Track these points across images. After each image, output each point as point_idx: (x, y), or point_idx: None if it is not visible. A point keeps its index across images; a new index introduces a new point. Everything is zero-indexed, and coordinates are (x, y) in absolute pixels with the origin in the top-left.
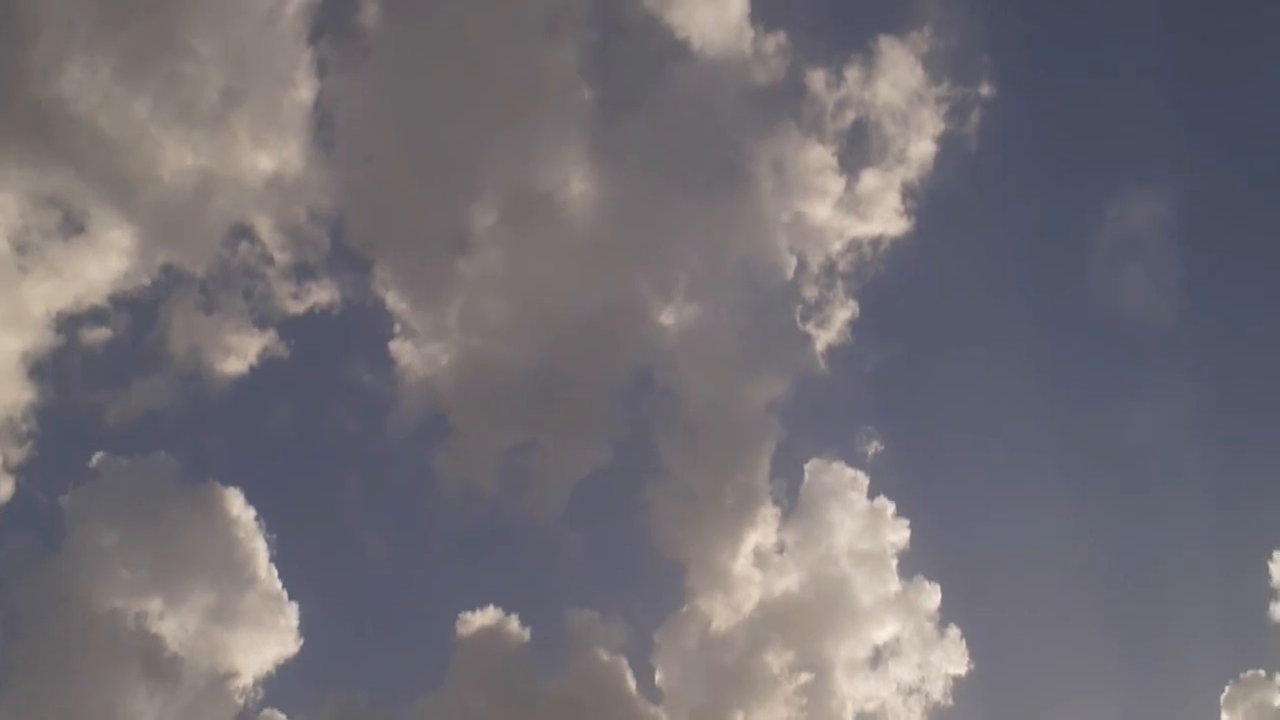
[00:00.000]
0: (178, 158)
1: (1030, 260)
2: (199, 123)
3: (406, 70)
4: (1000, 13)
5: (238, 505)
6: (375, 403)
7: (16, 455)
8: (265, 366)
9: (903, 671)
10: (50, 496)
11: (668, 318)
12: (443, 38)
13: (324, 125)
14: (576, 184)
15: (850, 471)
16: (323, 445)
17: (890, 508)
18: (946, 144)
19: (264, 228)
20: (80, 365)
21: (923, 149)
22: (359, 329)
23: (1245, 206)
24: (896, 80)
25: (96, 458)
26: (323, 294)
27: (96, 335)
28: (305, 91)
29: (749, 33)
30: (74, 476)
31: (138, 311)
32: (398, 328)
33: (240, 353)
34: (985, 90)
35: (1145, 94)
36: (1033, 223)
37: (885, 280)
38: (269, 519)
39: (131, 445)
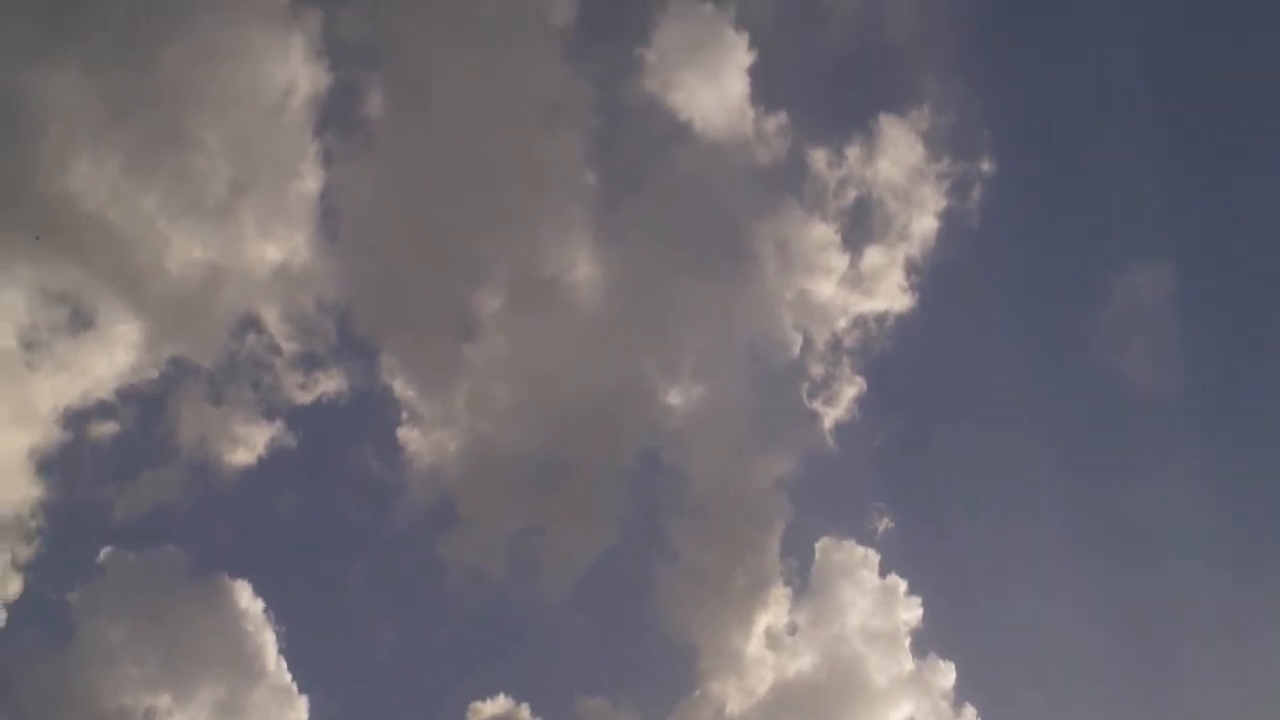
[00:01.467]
0: (185, 250)
1: (1035, 335)
2: (206, 215)
3: (411, 159)
4: (998, 89)
5: (246, 597)
6: (382, 491)
7: (25, 552)
8: (273, 457)
9: None
10: (59, 593)
11: (675, 398)
12: (447, 126)
13: (330, 215)
14: (581, 267)
15: (861, 549)
16: (331, 535)
17: (902, 586)
18: (948, 220)
19: (271, 318)
20: (88, 460)
21: (925, 225)
22: (366, 417)
23: (1248, 280)
24: (897, 158)
25: (104, 553)
26: (330, 383)
27: (104, 430)
28: (311, 182)
29: (750, 113)
30: (82, 573)
31: (145, 405)
32: (405, 415)
33: (248, 444)
34: (985, 166)
35: (1146, 168)
36: (1036, 297)
37: (891, 356)
38: (278, 611)
39: (139, 539)
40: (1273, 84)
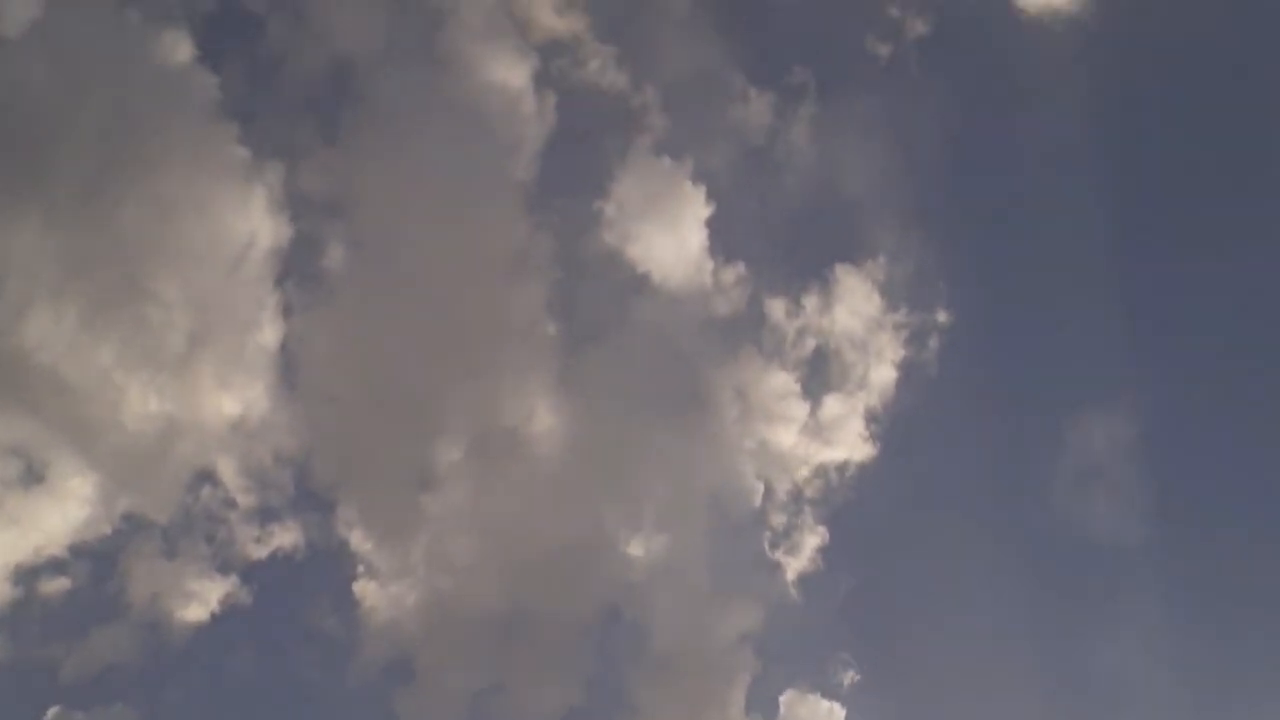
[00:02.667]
0: (141, 404)
1: (995, 484)
2: (163, 368)
3: (371, 311)
4: (954, 241)
5: None
6: (338, 646)
7: None
8: (227, 613)
9: None
10: None
11: (636, 549)
12: (407, 277)
13: (289, 367)
14: (541, 418)
15: (826, 703)
16: (285, 692)
17: None
18: (906, 370)
19: (227, 471)
20: (38, 618)
21: (883, 375)
22: (322, 570)
23: (1206, 431)
24: (854, 308)
25: (52, 713)
26: (286, 536)
27: (55, 586)
28: (270, 334)
29: (708, 264)
30: None
31: (98, 560)
32: (361, 568)
33: (202, 599)
34: (942, 317)
35: (1102, 318)
36: (996, 446)
37: (853, 506)
38: None
39: (89, 698)
40: (1229, 238)
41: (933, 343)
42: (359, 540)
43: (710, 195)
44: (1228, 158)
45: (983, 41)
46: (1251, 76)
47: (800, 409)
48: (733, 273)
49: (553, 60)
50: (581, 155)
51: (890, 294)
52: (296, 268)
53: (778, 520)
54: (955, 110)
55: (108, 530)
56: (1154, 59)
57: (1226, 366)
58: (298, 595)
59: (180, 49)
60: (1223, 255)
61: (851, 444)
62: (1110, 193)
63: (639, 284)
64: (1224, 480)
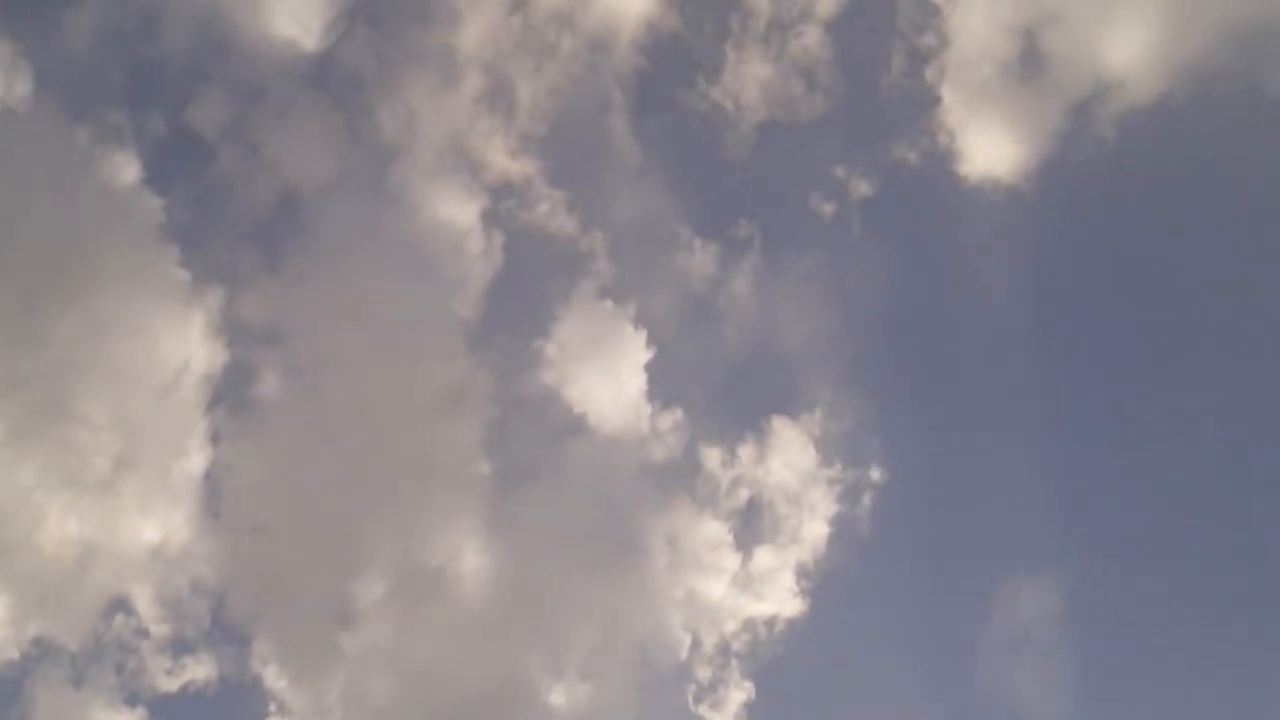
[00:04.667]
0: (60, 526)
1: (922, 647)
2: (85, 491)
3: (302, 442)
4: (890, 399)
5: None
6: None
7: None
8: None
9: None
10: None
11: (557, 697)
12: (341, 410)
13: (213, 496)
14: (469, 558)
15: None
16: None
17: None
18: (839, 525)
19: (143, 600)
20: None
21: (816, 530)
22: (234, 707)
23: (1135, 603)
24: (789, 460)
25: None
26: (199, 669)
27: None
28: (197, 461)
29: (645, 409)
30: None
31: (3, 685)
32: (274, 706)
33: None
34: (876, 474)
35: (1036, 486)
36: (925, 608)
37: (780, 662)
38: None
39: None
40: (1162, 417)
41: (866, 500)
42: (274, 677)
43: (651, 340)
44: (1166, 337)
45: (925, 206)
46: (1188, 251)
47: (731, 560)
48: (670, 419)
49: (502, 201)
50: (525, 295)
51: (825, 448)
52: (229, 395)
53: (704, 673)
54: (895, 271)
55: (15, 655)
56: (1092, 233)
57: (1159, 543)
58: None
59: (127, 170)
60: (1158, 433)
61: (781, 598)
62: (1047, 363)
63: (576, 425)
64: (1149, 657)
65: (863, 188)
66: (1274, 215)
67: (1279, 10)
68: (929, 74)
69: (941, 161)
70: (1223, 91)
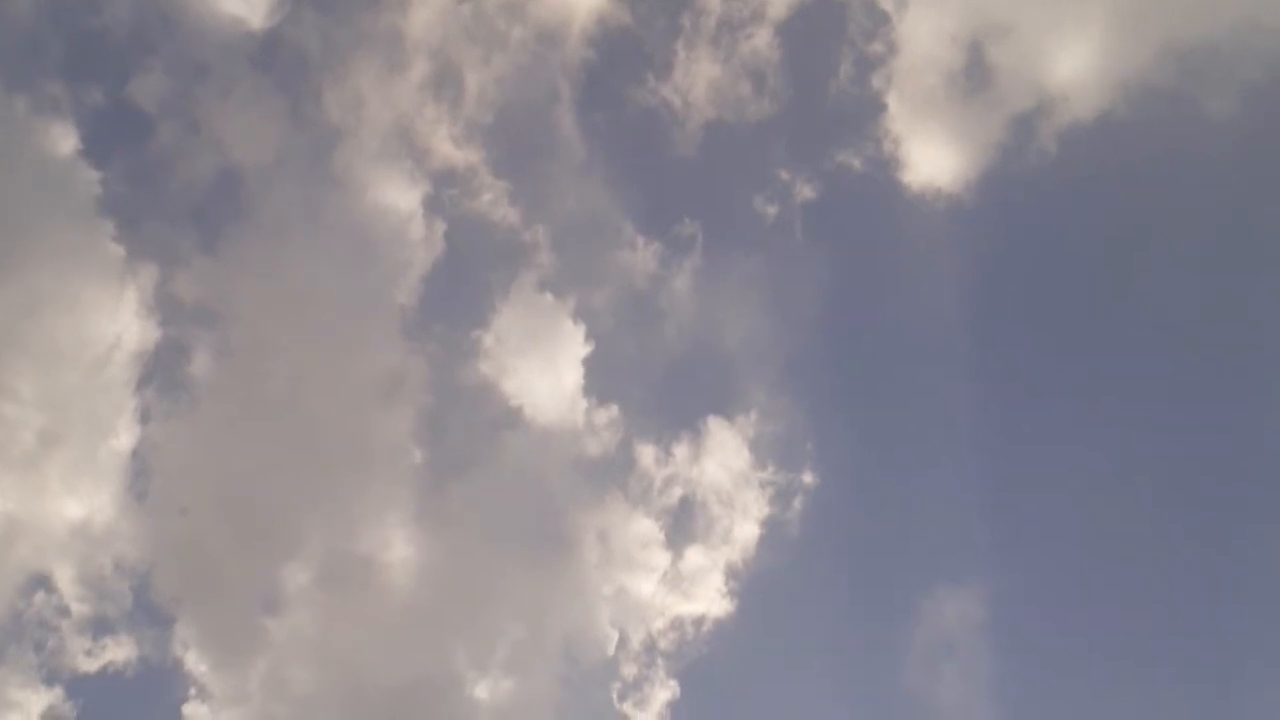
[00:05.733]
0: None
1: (846, 651)
2: (9, 466)
3: (234, 424)
4: (826, 404)
5: None
6: None
7: None
8: None
9: None
10: None
11: (482, 691)
12: (274, 393)
13: (140, 475)
14: (398, 548)
15: None
16: None
17: None
18: (770, 528)
19: (64, 578)
20: None
21: (747, 531)
22: (154, 690)
23: (1059, 613)
24: (724, 461)
25: None
26: (119, 650)
27: None
28: (125, 439)
29: (582, 404)
30: None
31: None
32: (194, 690)
33: (24, 710)
34: (808, 478)
35: (965, 494)
36: (850, 613)
37: (706, 661)
38: None
39: None
40: (1093, 424)
41: (797, 503)
42: (194, 660)
43: (590, 335)
44: (1098, 349)
45: (867, 212)
46: (1122, 265)
47: (662, 558)
48: (606, 415)
49: (445, 189)
50: (465, 285)
51: (759, 451)
52: (160, 374)
53: (629, 671)
54: (835, 275)
55: None
56: (1030, 245)
57: (1084, 553)
58: (124, 713)
59: (64, 141)
60: (1088, 444)
61: (710, 598)
62: (981, 373)
63: (511, 418)
64: (1068, 665)
65: (806, 191)
66: (1207, 233)
67: (1220, 32)
68: (876, 81)
69: (885, 168)
70: (1163, 110)
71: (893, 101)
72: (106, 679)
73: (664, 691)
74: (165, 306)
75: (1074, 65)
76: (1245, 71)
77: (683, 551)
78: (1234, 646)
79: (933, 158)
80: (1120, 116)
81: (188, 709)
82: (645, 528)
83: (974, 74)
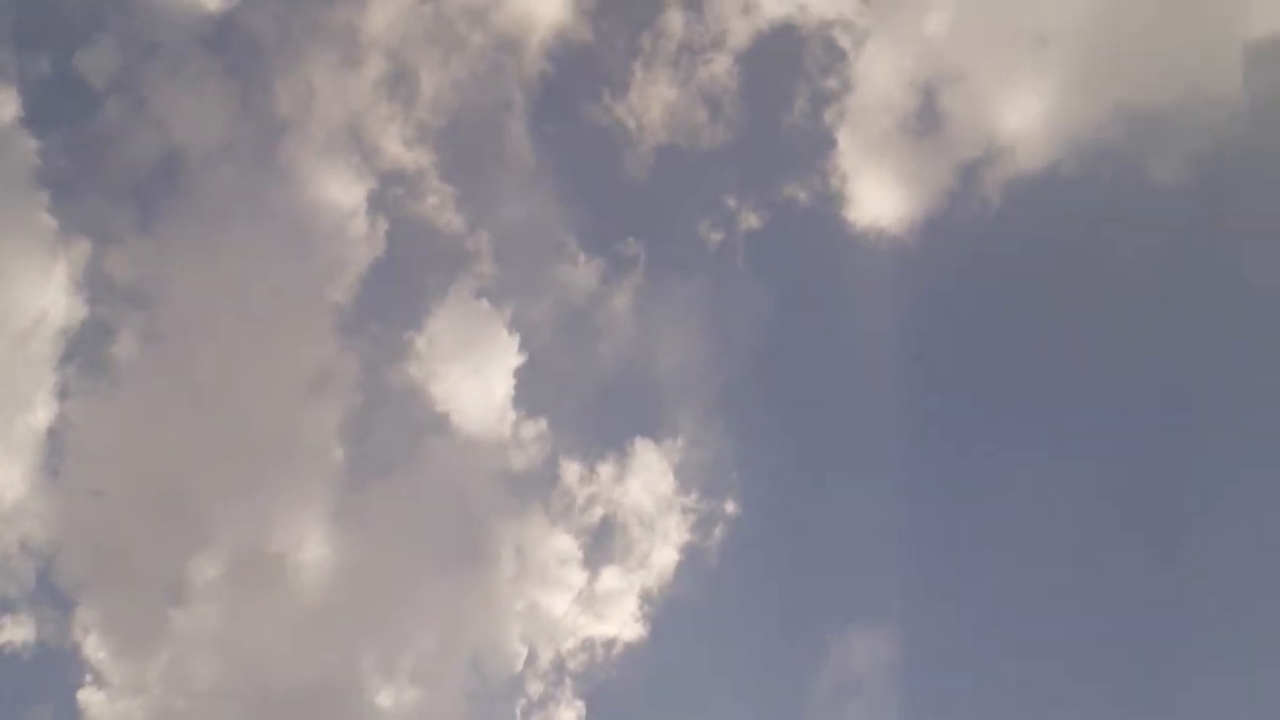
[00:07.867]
0: None
1: (756, 684)
2: None
3: (155, 408)
4: (754, 435)
5: None
6: None
7: None
8: None
9: None
10: None
11: (385, 699)
12: (199, 381)
13: (54, 453)
14: (312, 547)
15: None
16: None
17: None
18: (689, 554)
19: None
20: None
21: (665, 556)
22: (49, 673)
23: (969, 651)
24: (648, 484)
25: None
26: (17, 631)
27: None
28: (42, 415)
29: (510, 415)
30: None
31: None
32: (89, 677)
33: None
34: (731, 507)
35: (885, 536)
36: (762, 646)
37: (614, 684)
38: None
39: None
40: (1024, 456)
41: (718, 531)
42: (94, 646)
43: (524, 347)
44: (1029, 397)
45: (810, 245)
46: (1056, 320)
47: (578, 577)
48: (533, 428)
49: (391, 189)
50: (402, 286)
51: (684, 476)
52: (83, 352)
53: (536, 689)
54: (774, 306)
55: None
56: (967, 292)
57: (1007, 595)
58: (14, 695)
59: (6, 108)
60: (1017, 486)
61: (623, 621)
62: (912, 413)
63: (437, 424)
64: (981, 710)
65: (751, 220)
66: (1147, 294)
67: (1172, 99)
68: (828, 116)
69: (830, 204)
70: (1109, 169)
71: (843, 138)
72: (2, 658)
73: (569, 712)
74: (95, 283)
75: (1025, 117)
76: (1193, 141)
77: (599, 572)
78: (1156, 687)
79: (878, 197)
80: (1066, 171)
81: (83, 695)
82: (564, 545)
83: (925, 118)
